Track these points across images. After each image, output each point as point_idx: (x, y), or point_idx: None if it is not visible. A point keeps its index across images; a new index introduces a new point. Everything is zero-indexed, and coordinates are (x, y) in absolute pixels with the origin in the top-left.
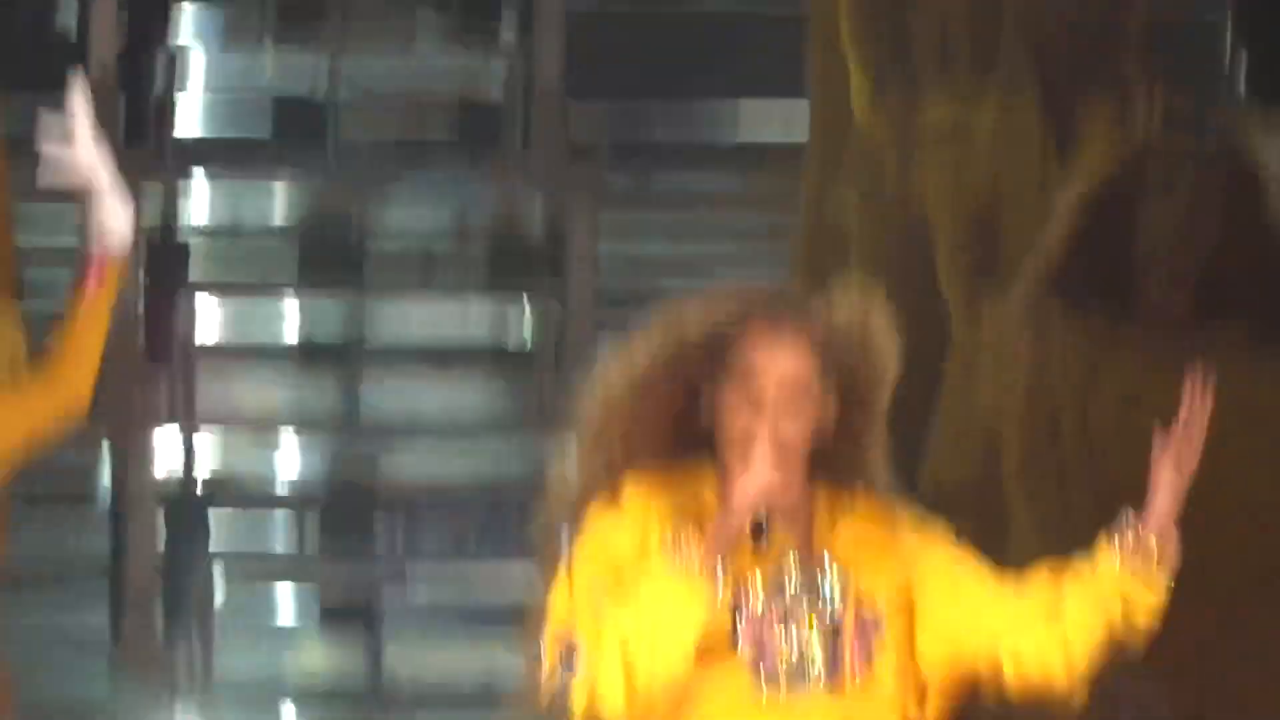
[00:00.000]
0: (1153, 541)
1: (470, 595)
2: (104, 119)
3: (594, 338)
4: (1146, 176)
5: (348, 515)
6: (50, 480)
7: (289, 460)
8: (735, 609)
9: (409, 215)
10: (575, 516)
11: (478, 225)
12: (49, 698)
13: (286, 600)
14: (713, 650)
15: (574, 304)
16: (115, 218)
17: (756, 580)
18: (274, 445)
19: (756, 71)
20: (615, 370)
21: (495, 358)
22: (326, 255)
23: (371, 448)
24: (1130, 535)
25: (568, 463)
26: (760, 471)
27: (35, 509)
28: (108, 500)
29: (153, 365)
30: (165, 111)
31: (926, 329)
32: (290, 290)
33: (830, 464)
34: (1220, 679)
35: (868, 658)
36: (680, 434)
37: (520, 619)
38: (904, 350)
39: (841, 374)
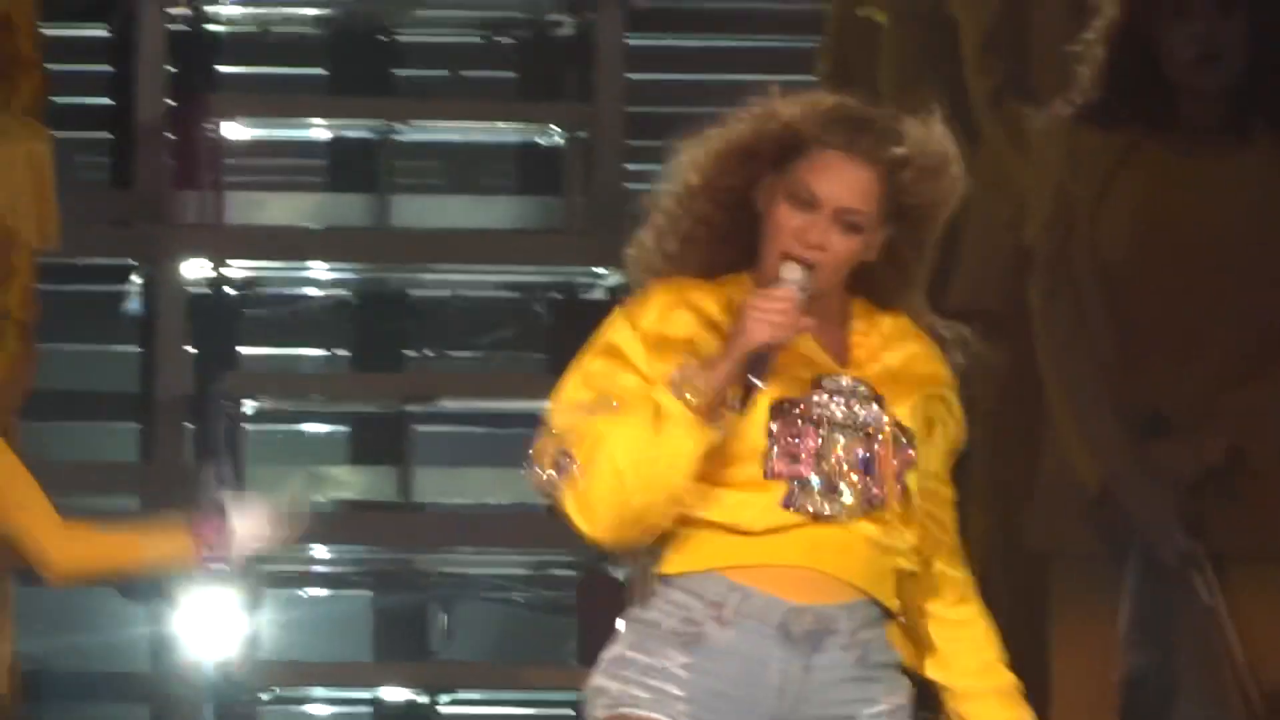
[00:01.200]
0: None
1: (499, 413)
2: None
3: (621, 165)
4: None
5: (377, 331)
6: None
7: (319, 276)
8: (770, 431)
9: (438, 29)
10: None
11: (506, 41)
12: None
13: (316, 418)
14: (746, 473)
15: (602, 129)
16: (249, 531)
17: (795, 403)
18: (304, 263)
19: None
20: (691, 155)
21: (524, 176)
22: (357, 66)
23: (400, 259)
24: None
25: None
26: (776, 311)
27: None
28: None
29: (182, 189)
30: None
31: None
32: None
33: (872, 287)
34: None
35: (901, 487)
36: (733, 230)
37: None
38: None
39: (903, 203)
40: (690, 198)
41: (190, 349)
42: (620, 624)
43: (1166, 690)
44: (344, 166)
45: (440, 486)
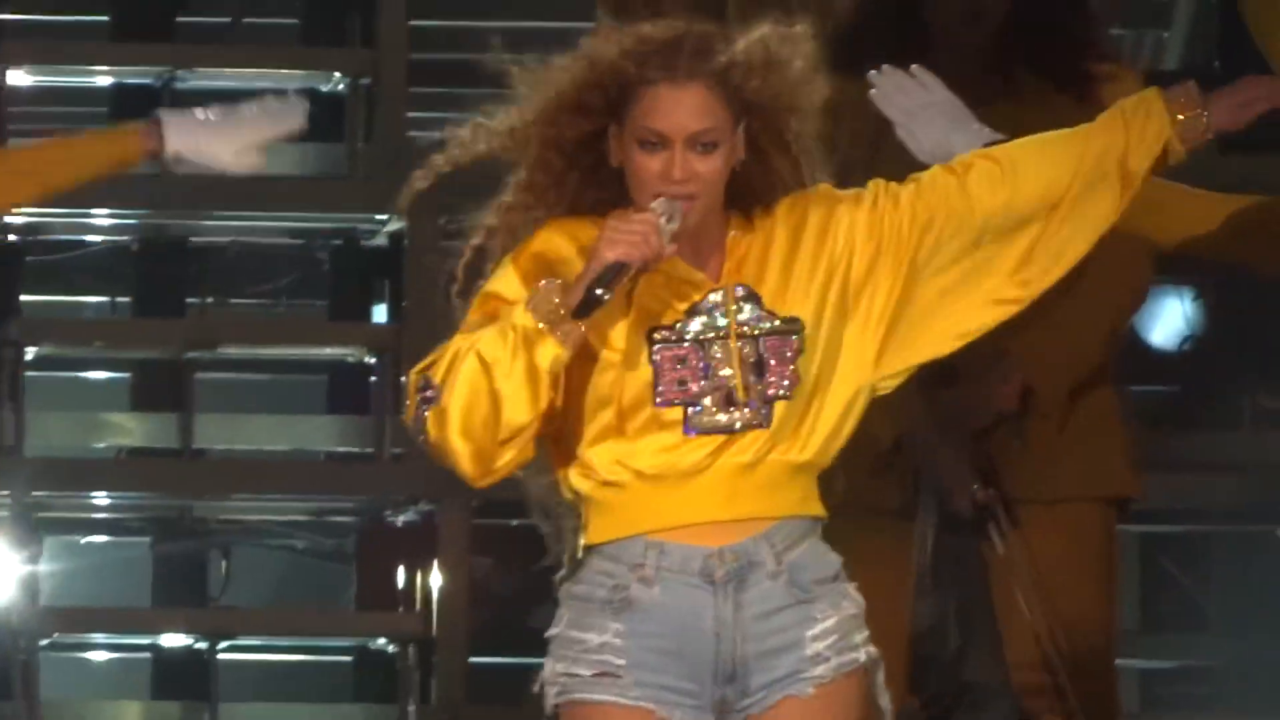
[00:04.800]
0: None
1: (281, 360)
2: None
3: (405, 112)
4: None
5: (159, 278)
6: None
7: (101, 223)
8: (653, 361)
9: None
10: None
11: None
12: None
13: (97, 365)
14: (640, 411)
15: (385, 76)
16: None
17: (671, 327)
18: (85, 210)
19: None
20: (524, 104)
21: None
22: (139, 12)
23: (181, 206)
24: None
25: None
26: (633, 232)
27: None
28: None
29: None
30: None
31: None
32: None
33: (747, 195)
34: None
35: (792, 378)
36: (590, 175)
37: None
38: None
39: (746, 101)
40: (535, 160)
41: None
42: (559, 599)
43: (958, 639)
44: (127, 113)
45: (221, 433)
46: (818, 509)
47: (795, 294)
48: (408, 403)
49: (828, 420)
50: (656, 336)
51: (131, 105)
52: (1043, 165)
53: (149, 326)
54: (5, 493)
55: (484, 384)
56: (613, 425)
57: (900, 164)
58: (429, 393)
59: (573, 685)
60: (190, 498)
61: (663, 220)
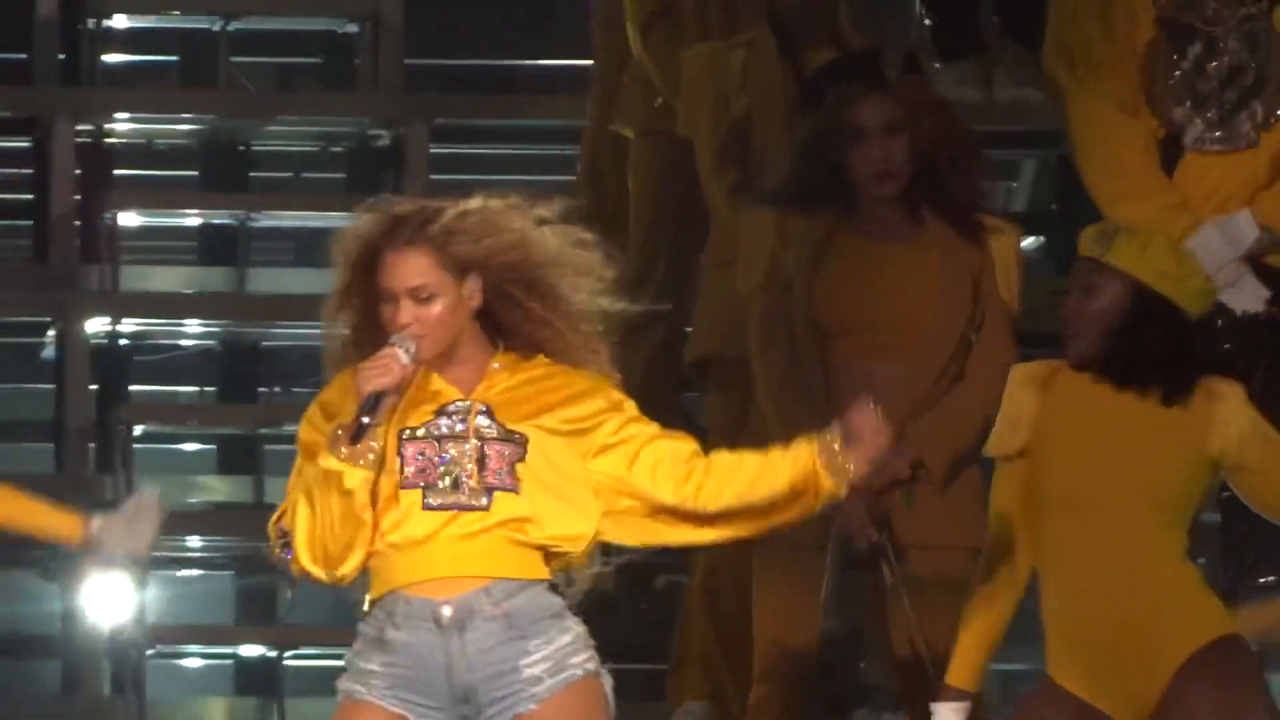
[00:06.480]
0: (841, 452)
1: None
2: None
3: None
4: (855, 114)
5: (237, 373)
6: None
7: (192, 331)
8: (400, 454)
9: (284, 140)
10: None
11: (337, 150)
12: None
13: (190, 439)
14: (391, 493)
15: None
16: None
17: (418, 428)
18: (180, 321)
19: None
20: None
21: None
22: (221, 169)
23: (255, 317)
24: (828, 441)
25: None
26: (376, 368)
27: None
28: (52, 364)
29: (87, 264)
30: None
31: (698, 235)
32: (192, 198)
33: (513, 326)
34: None
35: (509, 475)
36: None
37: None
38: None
39: (474, 258)
40: (343, 315)
41: (93, 387)
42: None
43: (856, 649)
44: (211, 246)
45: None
46: (540, 574)
47: (528, 419)
48: (272, 545)
49: (559, 524)
50: (405, 435)
51: (215, 240)
52: (724, 496)
53: (230, 410)
54: None
55: (314, 520)
56: (377, 510)
57: (830, 283)
58: (286, 538)
59: (354, 693)
60: (263, 540)
61: (400, 350)
